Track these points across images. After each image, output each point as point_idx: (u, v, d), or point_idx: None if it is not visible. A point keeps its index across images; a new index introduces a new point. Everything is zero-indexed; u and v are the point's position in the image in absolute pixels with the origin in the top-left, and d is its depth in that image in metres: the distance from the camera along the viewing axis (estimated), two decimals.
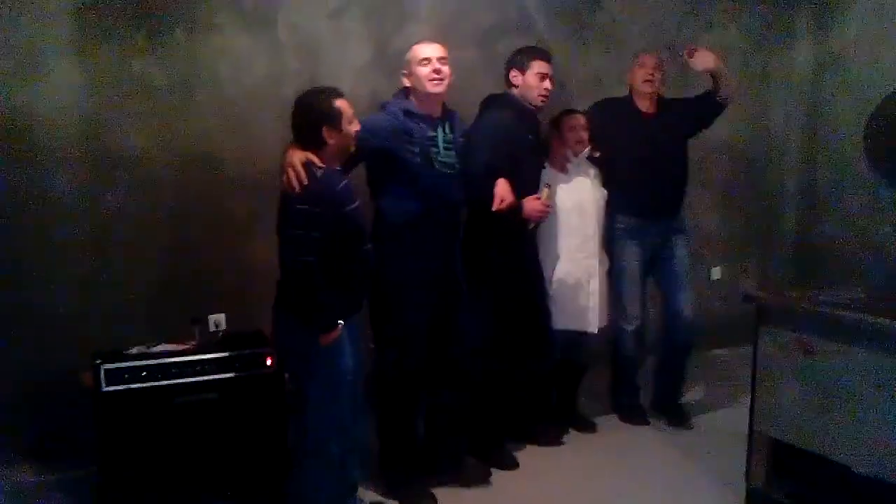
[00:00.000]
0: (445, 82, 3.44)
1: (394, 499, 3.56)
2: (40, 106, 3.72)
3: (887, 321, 2.89)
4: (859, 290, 3.51)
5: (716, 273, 5.58)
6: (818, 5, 5.67)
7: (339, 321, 2.99)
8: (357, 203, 3.02)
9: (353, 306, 3.14)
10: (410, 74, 3.46)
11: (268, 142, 4.06)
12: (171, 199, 4.00)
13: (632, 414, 4.47)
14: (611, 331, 4.36)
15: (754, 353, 3.36)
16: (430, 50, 3.44)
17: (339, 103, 2.97)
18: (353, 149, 3.07)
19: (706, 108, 4.30)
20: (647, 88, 4.24)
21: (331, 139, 2.95)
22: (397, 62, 4.33)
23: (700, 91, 4.36)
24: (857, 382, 2.96)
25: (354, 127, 3.03)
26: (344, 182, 2.99)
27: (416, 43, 3.52)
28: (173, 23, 3.93)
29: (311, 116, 2.96)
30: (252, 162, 4.09)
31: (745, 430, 3.43)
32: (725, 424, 4.21)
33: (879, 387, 2.88)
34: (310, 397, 3.06)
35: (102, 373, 3.20)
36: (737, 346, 4.80)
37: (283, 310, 3.06)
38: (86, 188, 3.84)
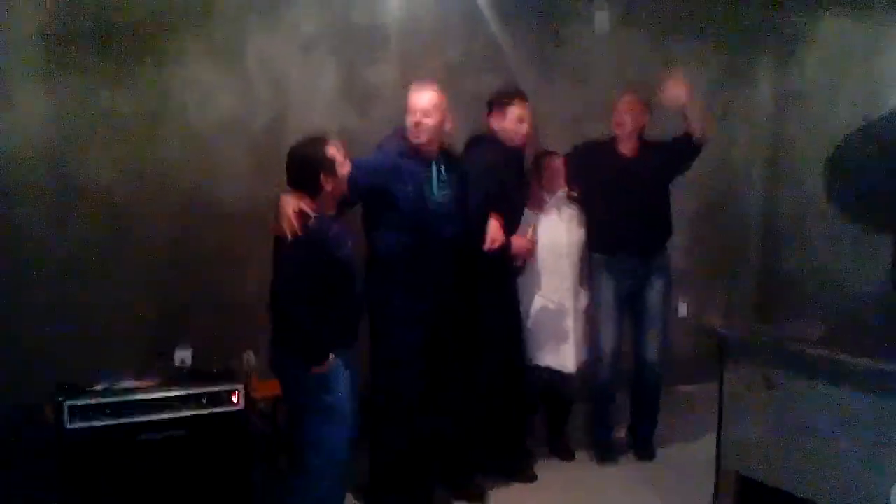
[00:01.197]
0: (426, 136, 3.50)
1: None
2: (6, 136, 3.67)
3: (847, 357, 2.95)
4: (821, 325, 3.58)
5: (681, 309, 5.63)
6: (779, 45, 5.79)
7: (330, 354, 3.05)
8: (348, 247, 3.12)
9: (346, 341, 3.18)
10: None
11: (236, 174, 4.06)
12: (138, 230, 3.96)
13: (602, 452, 4.46)
14: (589, 367, 4.37)
15: (720, 389, 3.39)
16: (415, 100, 3.50)
17: (332, 149, 3.08)
18: (346, 190, 3.16)
19: (682, 150, 4.31)
20: (618, 131, 4.27)
21: (328, 185, 3.06)
22: (366, 96, 4.38)
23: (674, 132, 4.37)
24: (820, 417, 2.99)
25: (346, 168, 3.13)
26: (335, 229, 3.09)
27: (414, 86, 3.56)
28: (141, 53, 3.91)
29: (309, 165, 3.07)
30: (220, 194, 4.07)
31: (713, 465, 3.45)
32: (693, 460, 4.22)
33: (842, 421, 2.92)
34: (305, 428, 3.11)
35: (66, 409, 3.15)
36: (703, 382, 4.82)
37: (277, 346, 3.14)
38: (51, 219, 3.79)
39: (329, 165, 3.06)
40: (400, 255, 3.51)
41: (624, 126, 4.24)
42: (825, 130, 5.39)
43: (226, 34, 4.11)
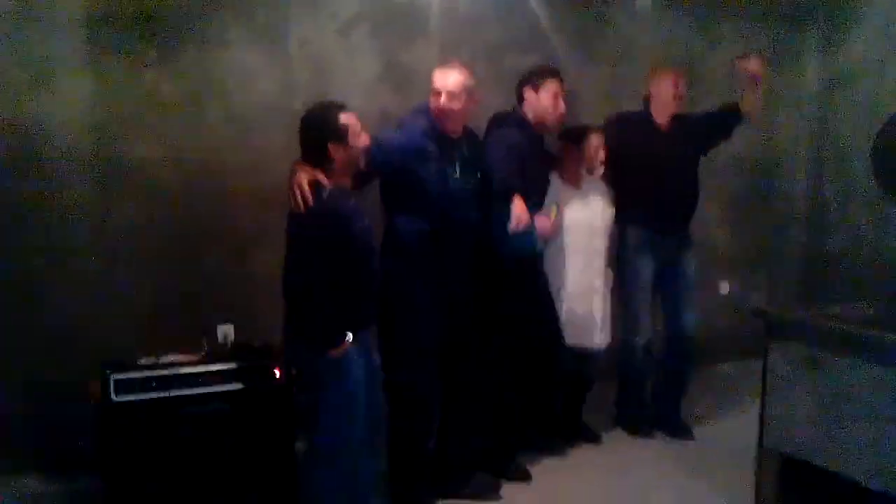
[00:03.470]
0: (452, 121, 3.44)
1: None
2: (50, 117, 3.74)
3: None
4: (868, 305, 3.52)
5: (724, 287, 5.57)
6: (826, 24, 5.69)
7: (348, 334, 2.96)
8: (365, 222, 3.00)
9: (363, 320, 3.10)
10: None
11: (276, 155, 4.05)
12: (181, 210, 4.01)
13: (638, 427, 4.47)
14: (620, 344, 4.37)
15: (764, 368, 3.35)
16: (440, 81, 3.41)
17: (345, 118, 2.93)
18: (362, 164, 3.04)
19: (725, 120, 4.32)
20: (674, 108, 4.27)
21: (337, 155, 2.91)
22: (406, 77, 4.38)
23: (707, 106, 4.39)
24: (867, 397, 2.95)
25: (362, 141, 2.99)
26: (352, 202, 2.97)
27: (440, 66, 3.49)
28: (184, 37, 3.95)
29: (317, 132, 2.93)
30: (261, 175, 4.09)
31: (753, 445, 3.42)
32: (733, 440, 4.19)
33: (890, 402, 2.87)
34: (320, 411, 3.03)
35: (112, 382, 3.19)
36: (744, 361, 4.79)
37: (290, 326, 3.05)
38: (95, 199, 3.86)
39: (339, 134, 2.90)
40: (420, 238, 3.39)
41: (681, 100, 4.24)
42: (872, 110, 5.30)
43: (267, 17, 4.14)
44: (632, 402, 4.51)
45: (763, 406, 3.37)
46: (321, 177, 2.90)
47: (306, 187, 2.86)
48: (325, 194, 2.87)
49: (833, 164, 5.72)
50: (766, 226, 5.80)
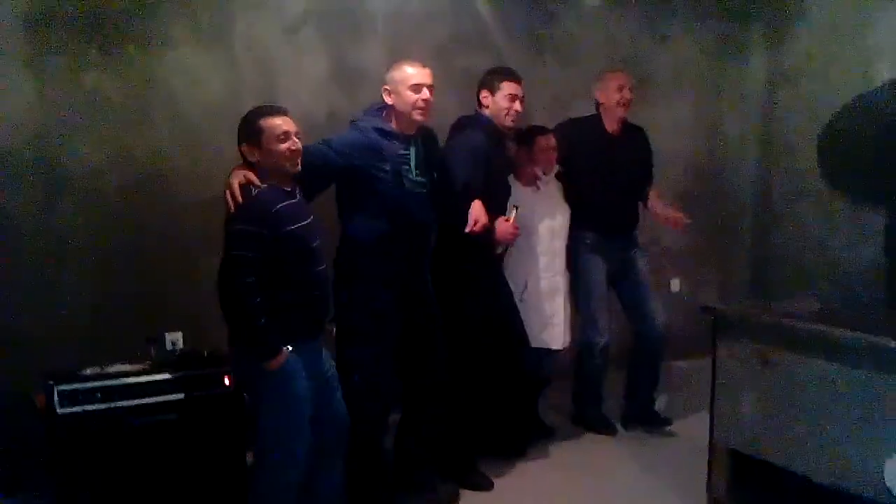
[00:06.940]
0: (428, 115, 3.39)
1: None
2: None
3: (842, 332, 2.94)
4: (815, 300, 3.58)
5: (675, 285, 5.62)
6: (771, 21, 5.76)
7: (286, 347, 2.87)
8: (303, 223, 2.91)
9: (305, 331, 3.00)
10: (394, 94, 3.35)
11: (223, 158, 3.94)
12: (125, 216, 3.93)
13: (599, 424, 4.51)
14: (578, 345, 4.39)
15: (713, 365, 3.39)
16: (421, 76, 3.33)
17: (267, 121, 2.86)
18: (295, 168, 2.93)
19: (648, 165, 4.56)
20: (622, 112, 4.31)
21: (251, 157, 2.87)
22: (354, 77, 4.34)
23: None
24: (814, 393, 2.99)
25: (287, 146, 2.87)
26: (286, 202, 2.88)
27: (406, 62, 3.39)
28: (126, 37, 3.88)
29: (238, 133, 2.92)
30: (207, 178, 4.00)
31: (706, 441, 3.45)
32: (686, 436, 4.25)
33: (836, 397, 2.92)
34: (260, 423, 2.96)
35: (56, 394, 3.11)
36: (696, 358, 4.84)
37: (232, 339, 2.97)
38: (36, 204, 3.76)
39: (252, 136, 2.85)
40: (376, 240, 3.32)
41: (628, 106, 4.29)
42: (816, 107, 5.37)
43: (211, 16, 4.07)
44: (591, 402, 4.54)
45: (713, 402, 3.40)
46: (252, 177, 2.86)
47: (236, 187, 2.83)
48: (254, 192, 2.83)
49: (779, 160, 5.79)
50: (714, 222, 5.84)
